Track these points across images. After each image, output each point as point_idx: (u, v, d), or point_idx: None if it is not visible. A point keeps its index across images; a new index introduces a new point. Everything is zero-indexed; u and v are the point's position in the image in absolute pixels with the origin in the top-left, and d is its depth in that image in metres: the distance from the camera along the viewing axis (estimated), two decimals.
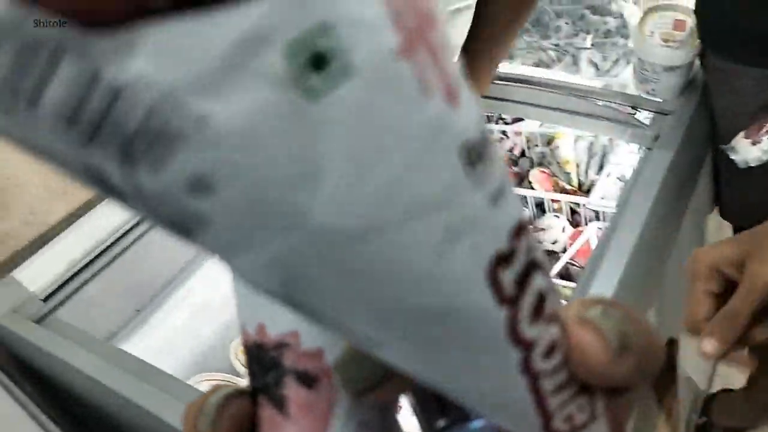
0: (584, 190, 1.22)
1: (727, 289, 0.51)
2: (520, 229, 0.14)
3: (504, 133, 1.48)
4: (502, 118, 1.57)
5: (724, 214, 1.06)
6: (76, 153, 0.10)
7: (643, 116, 1.01)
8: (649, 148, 0.96)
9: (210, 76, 0.10)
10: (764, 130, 0.74)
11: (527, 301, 0.15)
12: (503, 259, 0.14)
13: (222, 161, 0.10)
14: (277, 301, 0.14)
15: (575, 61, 1.55)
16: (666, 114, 0.99)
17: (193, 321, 1.11)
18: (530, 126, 1.45)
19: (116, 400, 0.78)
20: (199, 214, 0.11)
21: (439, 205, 0.12)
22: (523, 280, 0.15)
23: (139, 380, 0.77)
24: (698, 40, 0.95)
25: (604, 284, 0.77)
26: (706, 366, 0.50)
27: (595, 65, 1.54)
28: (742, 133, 0.78)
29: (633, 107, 1.02)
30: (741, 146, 0.76)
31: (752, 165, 0.75)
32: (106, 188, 0.11)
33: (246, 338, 0.20)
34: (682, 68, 0.96)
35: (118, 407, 0.79)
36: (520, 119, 1.56)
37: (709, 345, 0.49)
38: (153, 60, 0.09)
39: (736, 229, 1.19)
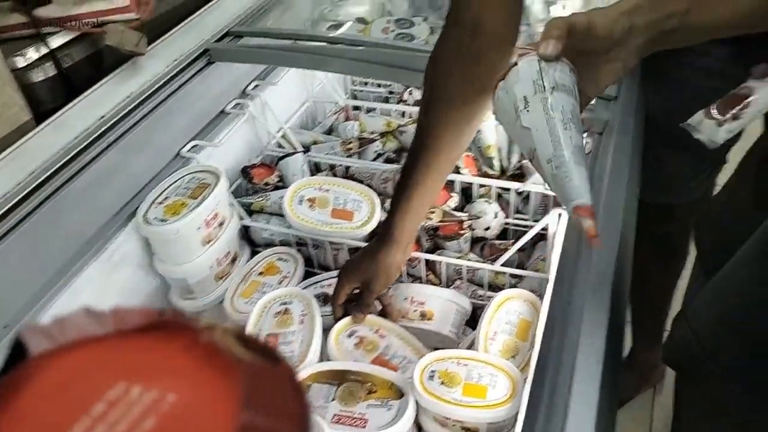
0: (508, 175, 1.19)
1: None
2: None
3: (404, 114, 1.42)
4: (403, 100, 1.51)
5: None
6: None
7: None
8: (599, 134, 0.95)
9: None
10: (730, 113, 0.76)
11: None
12: None
13: None
14: None
15: None
16: (609, 99, 0.98)
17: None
18: None
19: None
20: None
21: None
22: None
23: None
24: None
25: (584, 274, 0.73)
26: None
27: None
28: (701, 113, 0.80)
29: None
30: (705, 127, 0.77)
31: (719, 143, 0.78)
32: None
33: None
34: None
35: None
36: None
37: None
38: None
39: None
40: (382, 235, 0.86)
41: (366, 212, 1.04)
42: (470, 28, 0.69)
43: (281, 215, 1.16)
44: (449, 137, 0.76)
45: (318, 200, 1.05)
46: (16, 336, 0.22)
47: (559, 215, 0.88)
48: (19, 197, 0.86)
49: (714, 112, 0.77)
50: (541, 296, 0.88)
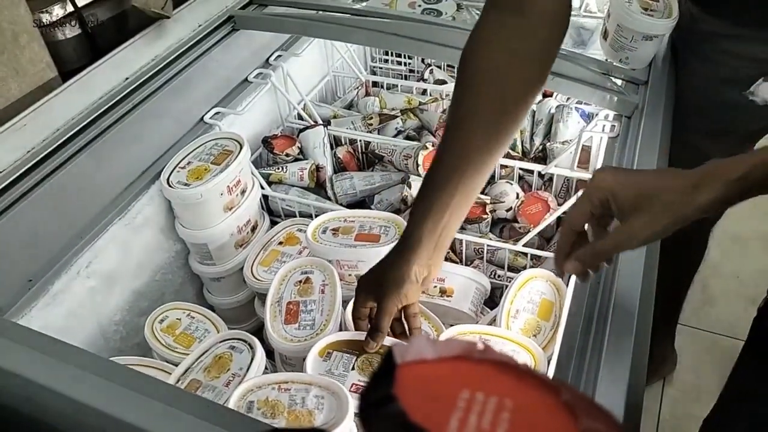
0: (530, 157, 1.19)
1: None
2: None
3: (425, 92, 1.41)
4: (423, 79, 1.50)
5: None
6: None
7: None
8: (627, 117, 0.94)
9: None
10: None
11: None
12: None
13: None
14: None
15: None
16: (638, 83, 0.97)
17: (99, 291, 0.91)
18: None
19: (16, 385, 0.58)
20: None
21: None
22: None
23: (46, 356, 0.58)
24: (676, 10, 0.94)
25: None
26: None
27: None
28: (762, 78, 0.82)
29: (605, 74, 0.99)
30: (762, 88, 0.80)
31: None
32: None
33: None
34: (659, 38, 0.95)
35: (19, 392, 0.60)
36: (443, 81, 1.50)
37: (571, 266, 0.60)
38: None
39: None
40: (398, 244, 0.72)
41: (393, 234, 0.93)
42: (516, 6, 0.64)
43: (300, 187, 1.16)
44: (484, 131, 0.65)
45: (342, 229, 0.96)
46: (389, 347, 0.28)
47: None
48: (44, 153, 0.86)
49: None
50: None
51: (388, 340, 0.78)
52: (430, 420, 0.24)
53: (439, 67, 1.53)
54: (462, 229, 1.08)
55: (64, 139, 0.88)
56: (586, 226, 0.61)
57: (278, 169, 1.16)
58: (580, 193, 0.60)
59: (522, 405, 0.26)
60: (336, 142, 1.26)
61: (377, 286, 0.73)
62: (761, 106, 0.90)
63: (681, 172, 0.54)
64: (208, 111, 1.09)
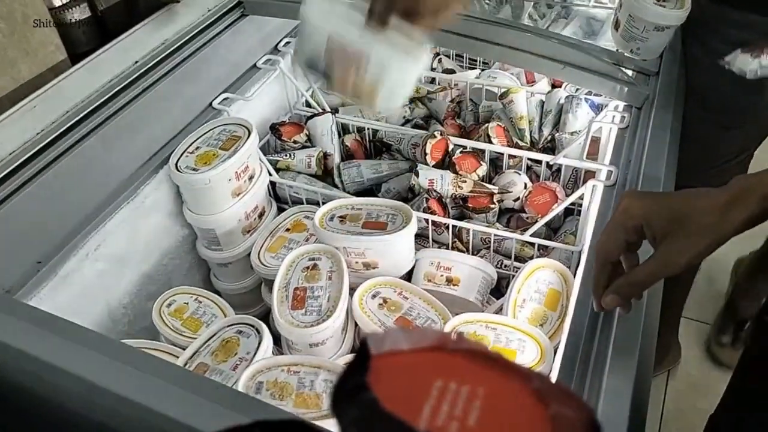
0: (538, 147, 1.18)
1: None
2: None
3: (434, 81, 1.40)
4: (432, 68, 1.49)
5: None
6: None
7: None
8: (638, 108, 0.94)
9: None
10: (766, 50, 0.77)
11: None
12: None
13: None
14: None
15: (516, 15, 1.50)
16: (649, 74, 0.97)
17: (107, 274, 0.91)
18: (468, 78, 1.39)
19: (27, 364, 0.59)
20: None
21: None
22: None
23: (57, 336, 0.58)
24: (688, 1, 0.93)
25: None
26: None
27: (535, 21, 1.51)
28: (738, 50, 0.80)
29: (615, 64, 0.98)
30: (739, 59, 0.79)
31: (749, 77, 0.80)
32: None
33: None
34: (671, 29, 0.94)
35: (29, 372, 0.60)
36: (452, 70, 1.49)
37: (611, 300, 0.59)
38: None
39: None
40: None
41: (400, 222, 0.92)
42: None
43: (307, 174, 1.16)
44: None
45: (349, 216, 0.96)
46: (363, 337, 0.29)
47: (593, 187, 0.87)
48: (53, 136, 0.86)
49: (750, 48, 0.79)
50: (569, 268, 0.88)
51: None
52: (403, 408, 0.25)
53: (448, 57, 1.53)
54: (469, 218, 1.08)
55: (74, 121, 0.88)
56: None
57: (286, 156, 1.16)
58: (609, 222, 0.59)
59: (494, 393, 0.27)
60: (344, 129, 1.26)
61: None
62: None
63: (711, 191, 0.53)
64: (217, 96, 1.09)
